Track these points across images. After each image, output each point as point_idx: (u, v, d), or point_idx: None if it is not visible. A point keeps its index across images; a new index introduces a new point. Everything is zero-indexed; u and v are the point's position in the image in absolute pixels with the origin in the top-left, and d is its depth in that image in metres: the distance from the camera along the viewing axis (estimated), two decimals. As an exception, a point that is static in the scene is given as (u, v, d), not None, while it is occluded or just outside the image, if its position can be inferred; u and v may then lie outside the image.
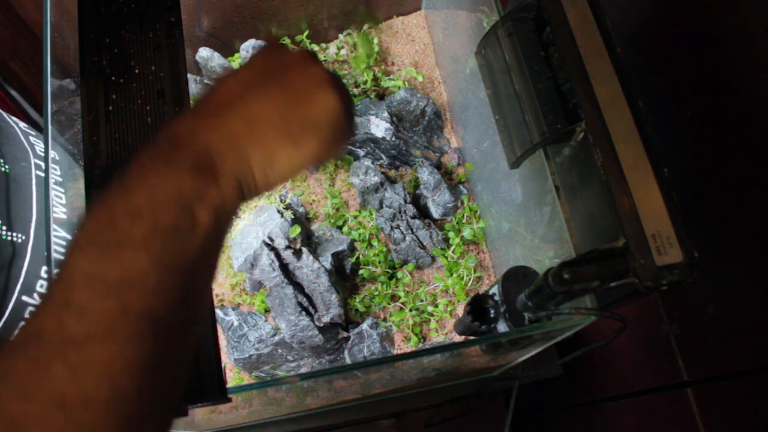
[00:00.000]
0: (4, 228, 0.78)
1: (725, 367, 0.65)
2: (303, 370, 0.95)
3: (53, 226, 0.61)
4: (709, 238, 0.63)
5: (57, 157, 0.81)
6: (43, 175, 0.86)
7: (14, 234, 0.79)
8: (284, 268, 0.93)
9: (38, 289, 0.80)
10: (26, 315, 0.79)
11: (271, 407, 0.86)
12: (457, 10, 0.92)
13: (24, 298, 0.79)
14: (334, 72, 0.40)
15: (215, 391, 0.48)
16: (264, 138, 0.34)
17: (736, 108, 0.59)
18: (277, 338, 0.92)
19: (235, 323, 0.94)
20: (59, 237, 0.67)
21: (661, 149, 0.48)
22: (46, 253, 0.61)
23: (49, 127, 0.62)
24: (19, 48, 1.16)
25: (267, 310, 0.97)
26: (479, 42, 0.60)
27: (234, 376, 0.97)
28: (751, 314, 0.60)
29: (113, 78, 0.57)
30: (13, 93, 1.21)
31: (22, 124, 0.91)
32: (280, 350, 0.93)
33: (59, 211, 0.73)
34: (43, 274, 0.80)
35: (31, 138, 0.90)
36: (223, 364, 0.50)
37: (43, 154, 0.89)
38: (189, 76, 0.97)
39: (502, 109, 0.59)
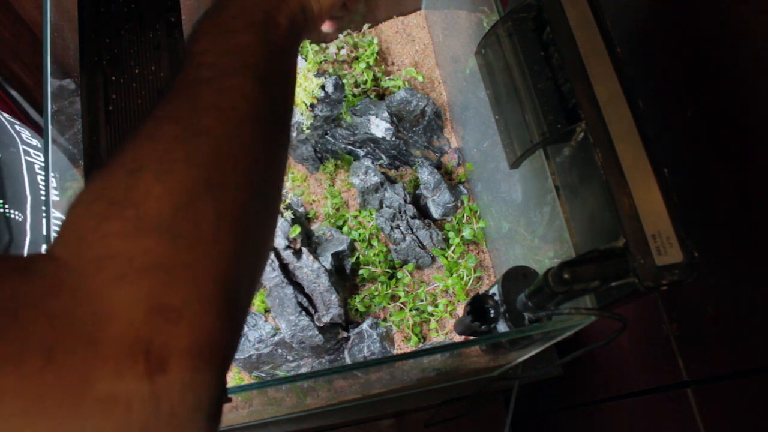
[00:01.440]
0: (6, 206, 0.80)
1: (725, 367, 0.65)
2: (303, 370, 0.95)
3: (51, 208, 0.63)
4: (709, 238, 0.63)
5: (38, 144, 0.83)
6: (32, 160, 0.91)
7: (14, 212, 0.81)
8: (284, 268, 0.93)
9: None
10: None
11: (271, 407, 0.86)
12: (457, 10, 0.92)
13: None
14: None
15: (215, 391, 0.48)
16: None
17: (737, 108, 0.59)
18: (277, 338, 0.92)
19: (235, 323, 0.94)
20: (55, 217, 0.68)
21: (661, 149, 0.48)
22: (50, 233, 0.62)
23: (49, 127, 0.62)
24: (19, 48, 1.16)
25: (267, 310, 0.97)
26: (479, 42, 0.60)
27: (234, 376, 0.97)
28: (751, 314, 0.60)
29: (113, 78, 0.57)
30: (13, 93, 1.21)
31: (6, 115, 0.94)
32: (280, 350, 0.93)
33: (53, 193, 0.74)
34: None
35: (17, 126, 0.93)
36: (223, 364, 0.50)
37: (29, 141, 0.91)
38: (189, 76, 0.97)
39: (502, 109, 0.59)
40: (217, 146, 0.31)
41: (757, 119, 0.57)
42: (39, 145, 0.92)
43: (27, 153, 0.89)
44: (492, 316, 0.62)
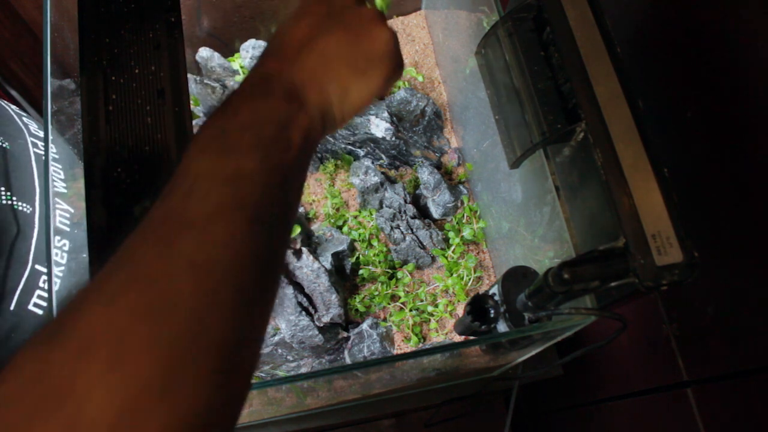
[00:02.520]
0: (14, 198, 0.80)
1: (725, 367, 0.65)
2: (303, 370, 0.95)
3: (56, 199, 0.63)
4: (709, 238, 0.63)
5: (53, 137, 0.83)
6: (40, 152, 0.90)
7: (22, 204, 0.81)
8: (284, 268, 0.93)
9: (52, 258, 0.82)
10: (41, 284, 0.81)
11: (271, 407, 0.86)
12: (457, 10, 0.92)
13: (37, 266, 0.81)
14: (380, 9, 0.47)
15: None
16: (338, 73, 0.41)
17: (737, 108, 0.59)
18: (277, 338, 0.92)
19: (235, 323, 0.94)
20: (62, 209, 0.68)
21: (661, 149, 0.48)
22: (62, 227, 0.62)
23: (49, 127, 0.62)
24: (19, 48, 1.16)
25: (267, 310, 0.96)
26: (479, 42, 0.60)
27: (234, 376, 0.97)
28: (751, 314, 0.60)
29: (113, 78, 0.57)
30: (13, 93, 1.21)
31: (13, 107, 0.94)
32: (280, 350, 0.93)
33: (59, 185, 0.75)
34: (56, 244, 0.82)
35: (24, 119, 0.93)
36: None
37: (37, 133, 0.92)
38: (189, 76, 0.97)
39: (502, 109, 0.59)
40: (187, 323, 0.27)
41: (757, 119, 0.57)
42: (51, 137, 0.93)
43: (35, 145, 0.89)
44: (492, 316, 0.62)
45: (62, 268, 0.79)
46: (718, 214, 0.63)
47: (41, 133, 0.93)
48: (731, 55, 0.59)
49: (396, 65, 0.44)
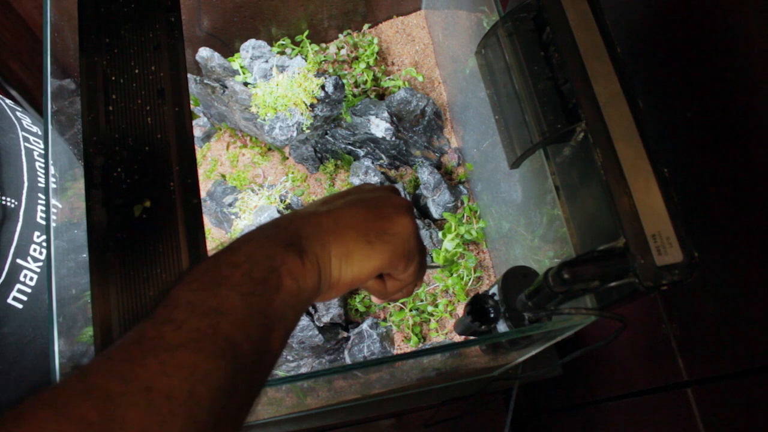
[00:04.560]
0: None
1: (725, 367, 0.65)
2: (303, 370, 0.95)
3: (44, 194, 0.63)
4: (709, 238, 0.63)
5: (39, 132, 0.83)
6: (31, 146, 0.90)
7: (7, 199, 0.81)
8: (284, 268, 0.93)
9: (31, 253, 0.83)
10: (21, 278, 0.81)
11: (271, 407, 0.86)
12: (457, 10, 0.92)
13: (18, 260, 0.81)
14: (412, 205, 0.49)
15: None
16: (345, 235, 0.41)
17: (736, 108, 0.59)
18: (277, 338, 0.92)
19: (235, 323, 0.94)
20: (52, 204, 0.68)
21: (661, 149, 0.48)
22: (44, 222, 0.62)
23: (49, 127, 0.62)
24: (19, 48, 1.16)
25: (267, 310, 0.96)
26: (479, 42, 0.60)
27: (234, 376, 0.97)
28: (751, 314, 0.60)
29: (113, 78, 0.57)
30: (13, 93, 1.21)
31: (8, 101, 0.94)
32: (280, 350, 0.93)
33: (51, 180, 0.75)
34: (36, 239, 0.83)
35: (18, 113, 0.93)
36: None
37: (30, 128, 0.92)
38: (189, 76, 0.97)
39: (502, 109, 0.59)
40: None
41: (757, 119, 0.57)
42: (40, 132, 0.93)
43: (26, 140, 0.89)
44: (492, 316, 0.62)
45: (40, 263, 0.81)
46: (718, 214, 0.63)
47: (34, 128, 0.93)
48: (731, 55, 0.59)
49: (409, 252, 0.45)
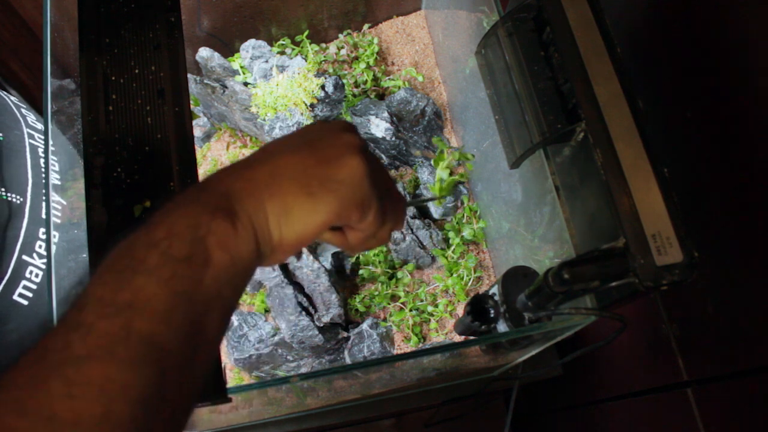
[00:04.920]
0: (3, 189, 0.80)
1: (725, 367, 0.65)
2: (303, 370, 0.95)
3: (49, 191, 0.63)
4: (709, 238, 0.63)
5: (40, 127, 0.84)
6: (35, 143, 0.90)
7: (12, 195, 0.81)
8: (284, 267, 0.93)
9: (37, 249, 0.83)
10: (26, 274, 0.81)
11: (271, 407, 0.86)
12: (457, 10, 0.92)
13: (24, 257, 0.81)
14: (366, 143, 0.40)
15: (215, 391, 0.48)
16: (282, 189, 0.35)
17: (736, 108, 0.59)
18: (277, 338, 0.92)
19: (235, 323, 0.94)
20: (54, 201, 0.68)
21: (661, 149, 0.48)
22: (45, 217, 0.62)
23: (49, 126, 0.62)
24: (19, 48, 1.16)
25: (267, 310, 0.97)
26: (479, 42, 0.60)
27: (234, 376, 0.97)
28: (751, 314, 0.60)
29: (113, 78, 0.57)
30: (13, 93, 1.21)
31: (13, 98, 0.94)
32: (280, 350, 0.93)
33: (53, 177, 0.75)
34: (41, 236, 0.83)
35: (23, 110, 0.93)
36: (223, 364, 0.50)
37: (35, 125, 0.92)
38: (189, 76, 0.97)
39: (502, 109, 0.59)
40: None
41: (757, 119, 0.57)
42: (41, 129, 0.93)
43: (31, 136, 0.90)
44: (492, 316, 0.62)
45: (45, 260, 0.80)
46: (718, 214, 0.63)
47: (39, 125, 0.93)
48: (731, 55, 0.59)
49: (360, 198, 0.37)
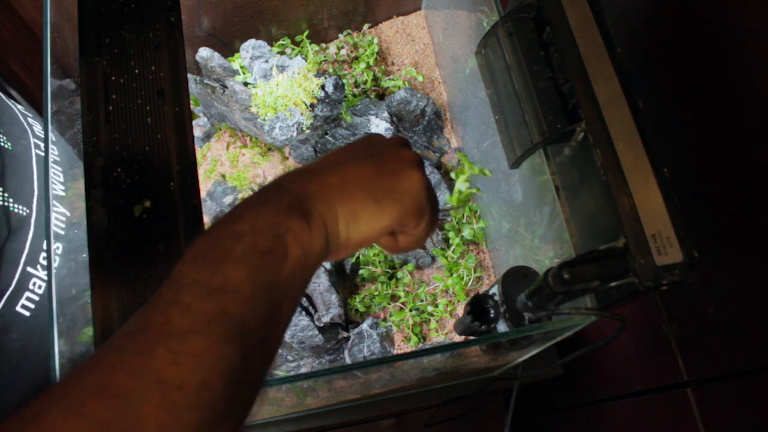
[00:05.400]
0: (10, 200, 0.80)
1: (725, 367, 0.65)
2: (303, 370, 0.95)
3: (53, 201, 0.63)
4: (709, 238, 0.63)
5: (53, 138, 0.84)
6: (42, 153, 0.89)
7: (18, 206, 0.81)
8: (284, 268, 0.93)
9: (41, 261, 0.82)
10: (30, 286, 0.81)
11: (271, 407, 0.86)
12: (457, 10, 0.92)
13: (28, 269, 0.81)
14: (421, 158, 0.46)
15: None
16: (351, 195, 0.40)
17: (736, 108, 0.59)
18: (277, 338, 0.92)
19: (235, 323, 0.94)
20: (59, 212, 0.68)
21: (661, 149, 0.48)
22: (56, 230, 0.62)
23: (49, 127, 0.62)
24: (19, 48, 1.16)
25: (267, 310, 0.96)
26: (479, 42, 0.60)
27: (234, 376, 0.97)
28: (751, 314, 0.60)
29: (113, 78, 0.57)
30: (13, 93, 1.21)
31: (20, 107, 0.93)
32: (280, 350, 0.93)
33: (58, 188, 0.74)
34: (46, 247, 0.83)
35: (29, 119, 0.93)
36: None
37: (41, 135, 0.91)
38: (189, 76, 0.97)
39: (502, 109, 0.59)
40: None
41: (757, 119, 0.57)
42: (53, 138, 0.93)
43: (38, 146, 0.89)
44: (492, 316, 0.62)
45: (54, 272, 0.80)
46: (718, 214, 0.63)
47: (43, 135, 0.93)
48: (731, 56, 0.59)
49: (418, 208, 0.42)
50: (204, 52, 1.03)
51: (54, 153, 0.79)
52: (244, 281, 0.32)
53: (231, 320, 0.31)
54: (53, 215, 0.63)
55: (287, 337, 0.90)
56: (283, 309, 0.35)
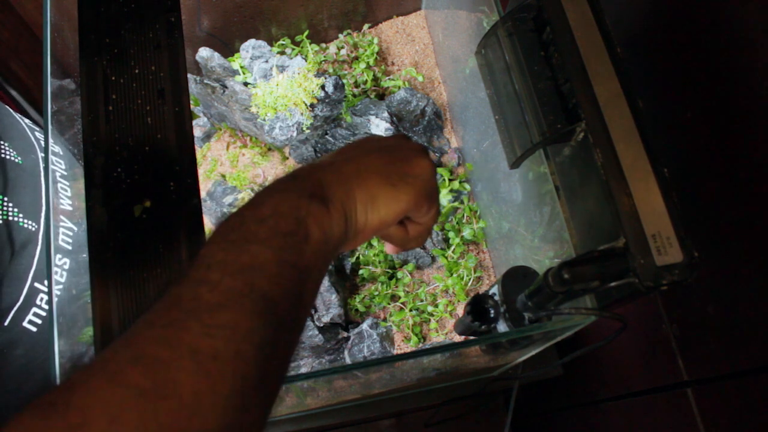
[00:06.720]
0: (20, 215, 0.80)
1: (725, 367, 0.65)
2: (303, 370, 0.95)
3: (60, 216, 0.62)
4: (709, 238, 0.63)
5: (61, 152, 0.83)
6: (52, 167, 0.89)
7: (27, 222, 0.81)
8: (284, 268, 0.93)
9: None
10: (37, 302, 0.80)
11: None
12: (457, 10, 0.92)
13: (36, 284, 0.80)
14: (426, 147, 0.47)
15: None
16: (368, 180, 0.42)
17: (736, 108, 0.59)
18: (277, 338, 0.92)
19: (235, 323, 0.94)
20: (66, 227, 0.68)
21: (661, 149, 0.48)
22: (64, 245, 0.62)
23: (49, 127, 0.62)
24: (19, 48, 1.16)
25: (267, 310, 0.96)
26: (479, 42, 0.60)
27: (234, 376, 0.97)
28: (751, 314, 0.60)
29: (113, 78, 0.57)
30: (13, 93, 1.21)
31: (27, 121, 0.93)
32: (280, 350, 0.93)
33: (65, 202, 0.74)
34: (57, 262, 0.82)
35: (36, 134, 0.93)
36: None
37: (50, 149, 0.91)
38: (189, 76, 0.97)
39: (502, 109, 0.59)
40: (181, 409, 0.27)
41: (757, 119, 0.57)
42: (60, 152, 0.93)
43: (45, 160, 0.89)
44: (492, 316, 0.62)
45: (61, 286, 0.79)
46: (718, 214, 0.63)
47: (55, 148, 0.92)
48: (731, 56, 0.59)
49: (430, 192, 0.45)
50: (204, 52, 1.03)
51: (62, 167, 0.79)
52: (270, 260, 0.33)
53: (260, 296, 0.32)
54: (60, 230, 0.63)
55: (287, 337, 0.90)
56: (307, 289, 0.36)
